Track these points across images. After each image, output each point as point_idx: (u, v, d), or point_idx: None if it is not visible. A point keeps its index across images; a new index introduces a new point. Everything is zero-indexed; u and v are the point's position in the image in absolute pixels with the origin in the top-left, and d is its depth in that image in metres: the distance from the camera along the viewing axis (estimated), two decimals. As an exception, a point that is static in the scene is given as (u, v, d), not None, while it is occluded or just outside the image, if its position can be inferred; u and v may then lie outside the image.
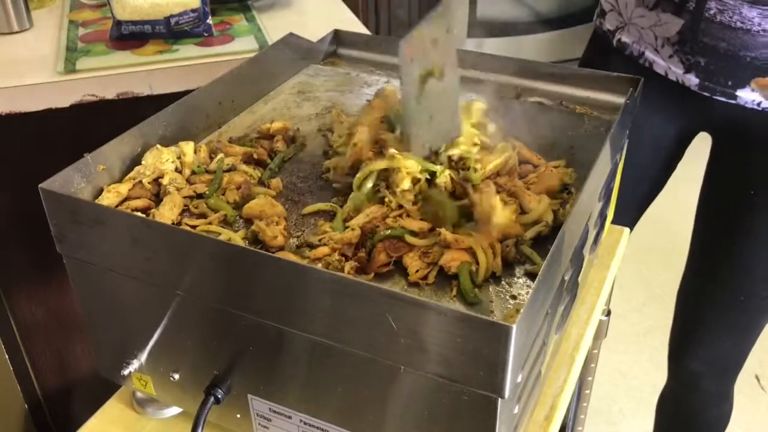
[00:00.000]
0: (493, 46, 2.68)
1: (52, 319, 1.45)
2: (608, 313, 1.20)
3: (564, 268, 0.73)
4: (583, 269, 0.88)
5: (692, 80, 1.10)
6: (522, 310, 0.56)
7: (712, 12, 1.03)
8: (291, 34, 1.07)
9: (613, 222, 1.11)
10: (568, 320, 0.87)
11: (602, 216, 0.95)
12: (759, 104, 1.08)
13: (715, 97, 1.09)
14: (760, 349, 1.30)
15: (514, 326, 0.54)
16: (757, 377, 2.16)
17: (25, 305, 1.42)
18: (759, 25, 1.01)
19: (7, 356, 1.43)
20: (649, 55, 1.14)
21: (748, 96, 1.07)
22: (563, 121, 0.97)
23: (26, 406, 1.51)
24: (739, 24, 1.02)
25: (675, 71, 1.12)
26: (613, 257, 1.06)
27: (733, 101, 1.08)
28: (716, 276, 1.24)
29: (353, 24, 1.45)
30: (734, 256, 1.20)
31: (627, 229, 1.13)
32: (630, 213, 1.30)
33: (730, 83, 1.07)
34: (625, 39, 1.17)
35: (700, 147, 1.27)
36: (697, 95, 1.11)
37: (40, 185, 0.69)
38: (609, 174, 0.89)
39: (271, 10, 1.50)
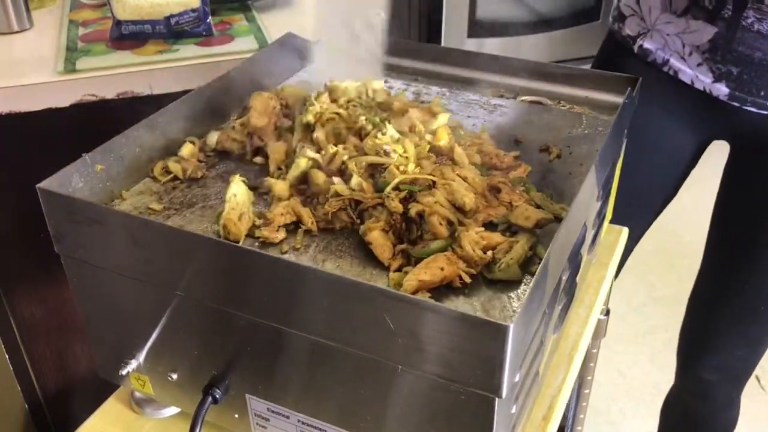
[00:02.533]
0: (493, 46, 2.67)
1: (52, 319, 1.45)
2: (607, 313, 1.20)
3: (561, 267, 0.73)
4: (581, 269, 0.88)
5: (722, 90, 1.07)
6: (519, 310, 0.56)
7: (749, 21, 1.01)
8: (290, 34, 1.07)
9: (629, 227, 1.11)
10: (566, 320, 0.87)
11: (600, 216, 0.95)
12: None
13: (744, 107, 1.07)
14: (760, 349, 1.31)
15: (511, 325, 0.54)
16: (757, 377, 2.15)
17: (25, 305, 1.42)
18: None
19: (7, 356, 1.43)
20: (675, 62, 1.11)
21: None
22: (561, 120, 0.97)
23: (26, 406, 1.51)
24: None
25: (703, 80, 1.09)
26: (612, 256, 1.06)
27: (764, 112, 1.06)
28: (733, 287, 1.23)
29: (353, 24, 1.45)
30: (753, 266, 1.19)
31: (626, 229, 1.13)
32: (644, 220, 1.30)
33: (762, 93, 1.05)
34: (647, 45, 1.14)
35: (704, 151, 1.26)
36: (725, 105, 1.09)
37: (37, 185, 0.69)
38: (607, 174, 0.89)
39: (271, 10, 1.50)
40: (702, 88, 1.10)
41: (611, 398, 2.10)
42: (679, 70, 1.11)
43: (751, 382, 2.12)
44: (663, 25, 1.11)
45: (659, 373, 2.13)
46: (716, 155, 1.24)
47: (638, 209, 1.17)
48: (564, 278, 0.76)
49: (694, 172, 1.28)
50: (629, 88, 0.91)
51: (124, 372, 0.77)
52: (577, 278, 0.86)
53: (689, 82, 1.10)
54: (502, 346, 0.55)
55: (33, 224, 0.99)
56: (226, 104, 0.95)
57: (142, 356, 0.77)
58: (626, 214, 1.10)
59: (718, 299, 1.27)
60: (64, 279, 0.74)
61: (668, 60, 1.12)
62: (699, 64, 1.08)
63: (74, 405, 1.57)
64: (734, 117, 1.10)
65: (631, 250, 1.32)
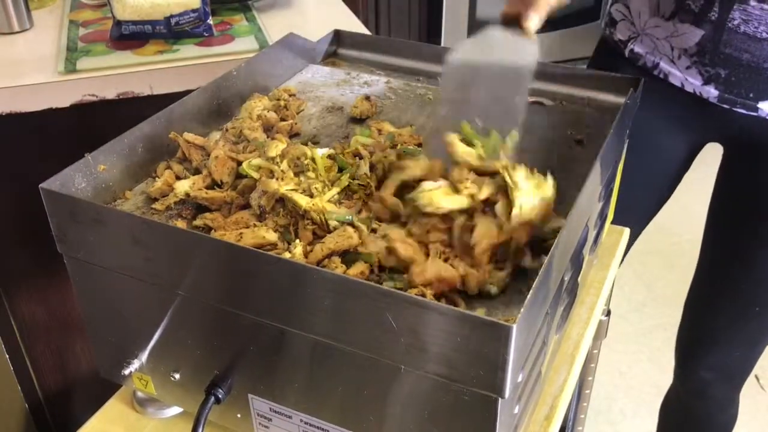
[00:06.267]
0: (493, 46, 2.68)
1: (52, 319, 1.45)
2: (608, 313, 1.20)
3: (564, 268, 0.73)
4: (583, 269, 0.88)
5: (711, 92, 1.07)
6: (522, 311, 0.56)
7: (735, 22, 1.00)
8: (291, 34, 1.07)
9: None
10: (568, 320, 0.87)
11: (602, 216, 0.95)
12: None
13: (734, 109, 1.07)
14: (760, 349, 1.31)
15: (514, 326, 0.54)
16: (756, 377, 2.16)
17: (25, 305, 1.42)
18: None
19: (7, 356, 1.43)
20: (664, 66, 1.11)
21: None
22: (563, 121, 0.97)
23: (26, 406, 1.51)
24: (764, 35, 0.99)
25: (692, 83, 1.08)
26: (613, 257, 1.06)
27: (753, 113, 1.06)
28: (729, 286, 1.23)
29: (353, 24, 1.45)
30: (749, 266, 1.19)
31: (627, 230, 1.13)
32: (639, 222, 1.29)
33: (751, 95, 1.05)
34: (638, 49, 1.14)
35: (701, 152, 1.26)
36: (715, 107, 1.08)
37: (40, 185, 0.69)
38: (609, 174, 0.89)
39: (272, 10, 1.51)
40: (692, 91, 1.09)
41: (611, 398, 2.10)
42: (669, 73, 1.11)
43: (751, 382, 2.13)
44: (652, 29, 1.11)
45: (659, 373, 2.13)
46: (716, 156, 1.24)
47: (632, 211, 1.17)
48: (566, 279, 0.76)
49: (693, 174, 1.28)
50: (631, 89, 0.91)
51: (126, 372, 0.77)
52: (579, 279, 0.87)
53: (680, 85, 1.10)
54: (506, 346, 0.55)
55: (33, 224, 0.99)
56: (228, 104, 0.95)
57: (144, 356, 0.77)
58: (620, 217, 1.10)
59: (714, 300, 1.27)
60: (64, 279, 0.74)
61: (658, 63, 1.12)
62: (688, 67, 1.08)
63: (74, 405, 1.57)
64: (725, 119, 1.10)
65: (627, 252, 1.32)
